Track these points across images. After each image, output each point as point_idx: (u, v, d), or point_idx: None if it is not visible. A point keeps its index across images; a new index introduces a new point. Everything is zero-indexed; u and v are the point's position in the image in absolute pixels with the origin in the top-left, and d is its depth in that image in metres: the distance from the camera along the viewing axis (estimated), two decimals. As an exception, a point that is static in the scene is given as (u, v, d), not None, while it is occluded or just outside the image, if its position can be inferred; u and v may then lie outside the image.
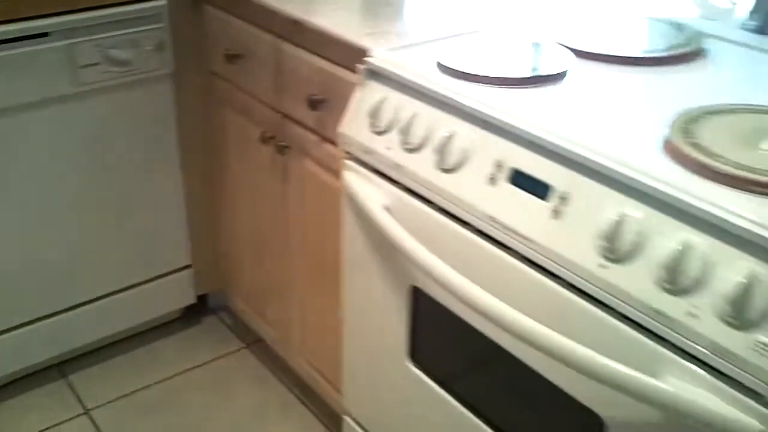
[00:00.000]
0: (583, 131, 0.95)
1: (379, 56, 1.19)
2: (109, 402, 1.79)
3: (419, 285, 1.17)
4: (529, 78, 1.09)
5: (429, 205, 1.11)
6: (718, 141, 0.91)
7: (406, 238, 1.10)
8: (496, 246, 1.02)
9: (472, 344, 1.12)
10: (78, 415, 1.76)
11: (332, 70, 1.32)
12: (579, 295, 0.93)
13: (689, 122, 0.95)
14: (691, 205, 0.82)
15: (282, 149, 1.52)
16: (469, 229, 1.05)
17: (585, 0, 1.49)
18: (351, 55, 1.25)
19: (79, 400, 1.80)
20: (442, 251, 1.07)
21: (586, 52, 1.19)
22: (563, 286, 0.94)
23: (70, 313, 1.79)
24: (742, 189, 0.82)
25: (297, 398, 1.83)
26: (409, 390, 1.28)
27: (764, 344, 0.76)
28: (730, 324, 0.78)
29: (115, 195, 1.75)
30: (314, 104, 1.37)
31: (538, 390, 1.03)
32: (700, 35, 1.26)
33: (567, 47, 1.20)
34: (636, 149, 0.91)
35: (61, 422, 1.74)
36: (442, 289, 1.07)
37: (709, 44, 1.26)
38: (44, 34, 1.55)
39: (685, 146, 0.89)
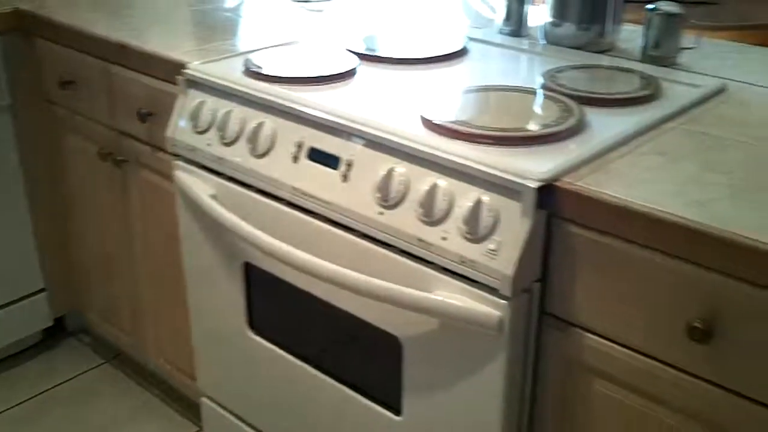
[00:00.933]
0: (361, 114, 1.20)
1: (195, 67, 1.39)
2: (-27, 421, 1.88)
3: (250, 260, 1.38)
4: (320, 77, 1.33)
5: (248, 188, 1.32)
6: (460, 111, 1.18)
7: (231, 218, 1.30)
8: (303, 213, 1.24)
9: (296, 302, 1.33)
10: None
11: (157, 86, 1.52)
12: (367, 240, 1.16)
13: (445, 99, 1.22)
14: (436, 156, 1.08)
15: (119, 163, 1.69)
16: (281, 203, 1.27)
17: (377, 15, 1.76)
18: (172, 70, 1.44)
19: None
20: (264, 225, 1.28)
21: (371, 56, 1.45)
22: (356, 236, 1.18)
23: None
24: (470, 141, 1.09)
25: (160, 399, 1.98)
26: (254, 358, 1.47)
27: (493, 250, 1.02)
28: (468, 239, 1.04)
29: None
30: (144, 117, 1.56)
31: (350, 327, 1.25)
32: (466, 39, 1.55)
33: (355, 53, 1.46)
34: (400, 123, 1.16)
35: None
36: (268, 258, 1.29)
37: (472, 46, 1.55)
38: None
39: (434, 117, 1.15)
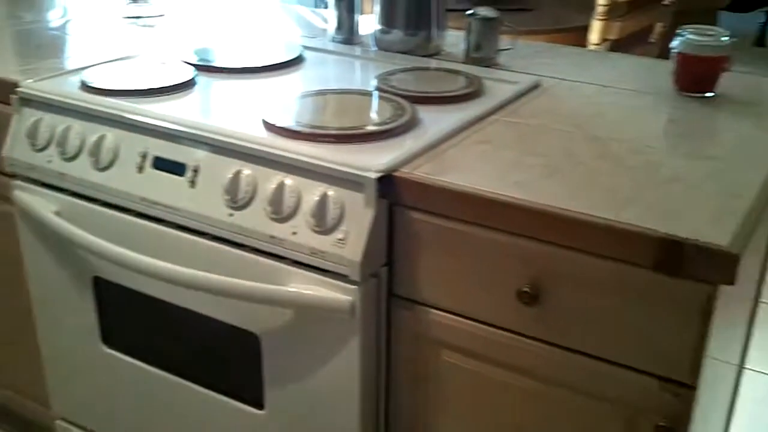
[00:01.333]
0: (204, 121, 1.24)
1: (28, 85, 1.38)
2: None
3: (99, 273, 1.37)
4: (159, 88, 1.36)
5: (94, 202, 1.32)
6: (300, 114, 1.24)
7: (78, 232, 1.30)
8: (153, 222, 1.26)
9: (150, 311, 1.34)
10: None
11: (-10, 106, 1.48)
12: (220, 242, 1.20)
13: (285, 104, 1.28)
14: (281, 156, 1.13)
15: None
16: (130, 214, 1.28)
17: (211, 28, 1.79)
18: (5, 90, 1.41)
19: None
20: (113, 237, 1.28)
21: (209, 67, 1.49)
22: (209, 239, 1.21)
23: None
24: (311, 141, 1.16)
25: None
26: (110, 372, 1.46)
27: (341, 239, 1.09)
28: (317, 232, 1.11)
29: None
30: (-24, 139, 1.51)
31: (208, 329, 1.28)
32: (300, 48, 1.61)
33: (193, 64, 1.48)
34: (243, 128, 1.21)
35: None
36: (119, 270, 1.29)
37: (308, 54, 1.61)
38: None
39: (276, 120, 1.21)
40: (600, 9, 2.36)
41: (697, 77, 1.42)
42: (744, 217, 0.99)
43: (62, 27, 1.83)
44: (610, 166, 1.13)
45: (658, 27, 2.60)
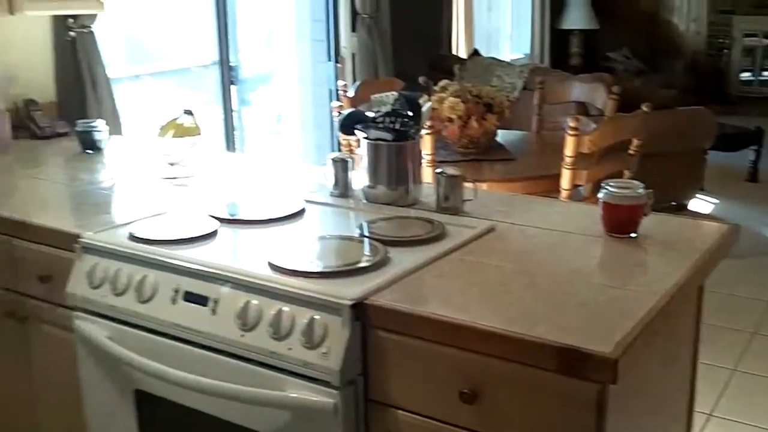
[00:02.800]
0: (223, 263, 1.60)
1: (89, 236, 1.76)
2: None
3: (140, 386, 1.70)
4: (190, 238, 1.73)
5: (136, 328, 1.67)
6: (298, 256, 1.60)
7: (124, 352, 1.64)
8: (182, 342, 1.60)
9: (177, 415, 1.66)
10: None
11: (55, 253, 1.86)
12: (233, 358, 1.53)
13: (287, 248, 1.64)
14: (279, 289, 1.49)
15: (23, 320, 1.99)
16: (165, 337, 1.63)
17: (231, 186, 2.20)
18: (68, 240, 1.80)
19: None
20: (152, 355, 1.62)
21: (229, 220, 1.87)
22: (224, 355, 1.55)
23: None
24: (304, 277, 1.51)
25: None
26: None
27: (324, 353, 1.42)
28: (307, 348, 1.44)
29: None
30: (44, 280, 1.88)
31: (222, 429, 1.59)
32: (303, 201, 1.99)
33: (216, 217, 1.87)
34: (253, 268, 1.57)
35: None
36: (155, 381, 1.62)
37: (309, 207, 1.99)
38: None
39: (278, 261, 1.57)
40: (568, 159, 2.74)
41: (619, 222, 1.76)
42: (628, 332, 1.30)
43: (111, 187, 2.24)
44: (532, 294, 1.46)
45: (627, 174, 2.97)
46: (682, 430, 1.81)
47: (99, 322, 1.73)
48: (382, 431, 1.47)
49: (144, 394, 1.70)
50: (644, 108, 2.95)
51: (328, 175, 2.08)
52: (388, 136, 1.93)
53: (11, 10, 2.49)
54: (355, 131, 1.97)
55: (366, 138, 1.96)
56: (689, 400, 1.81)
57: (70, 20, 2.97)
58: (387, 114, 1.92)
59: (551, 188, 2.86)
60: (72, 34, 2.99)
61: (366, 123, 1.95)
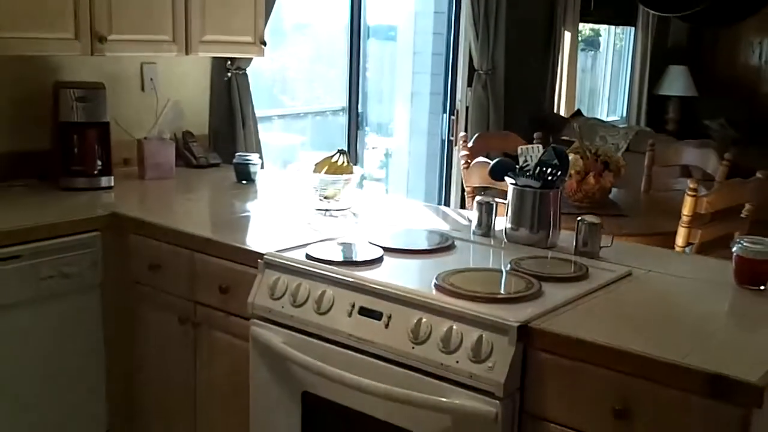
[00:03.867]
0: (394, 282, 1.82)
1: (271, 254, 2.02)
2: None
3: (308, 389, 1.92)
4: (361, 261, 1.97)
5: (311, 336, 1.90)
6: (461, 282, 1.82)
7: (299, 355, 1.87)
8: (356, 352, 1.82)
9: (341, 417, 1.87)
10: None
11: (237, 268, 2.12)
12: (404, 368, 1.74)
13: (448, 274, 1.86)
14: (449, 308, 1.70)
15: (195, 326, 2.25)
16: (339, 346, 1.85)
17: (383, 218, 2.43)
18: (252, 257, 2.06)
19: None
20: (326, 361, 1.85)
21: (389, 248, 2.10)
22: (395, 365, 1.76)
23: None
24: (470, 300, 1.72)
25: None
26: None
27: (490, 367, 1.62)
28: (473, 362, 1.64)
29: (55, 376, 2.34)
30: (223, 291, 2.14)
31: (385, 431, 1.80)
32: (450, 237, 2.21)
33: (377, 245, 2.10)
34: (419, 288, 1.79)
35: None
36: (326, 385, 1.84)
37: (457, 243, 2.21)
38: (17, 256, 2.22)
39: (443, 284, 1.78)
40: (684, 218, 2.90)
41: (751, 274, 1.92)
42: (770, 367, 1.47)
43: (271, 215, 2.51)
44: (678, 329, 1.64)
45: (737, 235, 3.10)
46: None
47: (275, 330, 1.97)
48: (534, 443, 1.66)
49: (311, 396, 1.93)
50: (759, 175, 3.10)
51: (472, 216, 2.30)
52: (535, 183, 2.14)
53: (187, 51, 2.83)
54: (505, 178, 2.19)
55: (514, 184, 2.18)
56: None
57: (229, 62, 3.30)
58: (538, 164, 2.14)
59: (662, 244, 3.01)
60: (229, 74, 3.32)
61: (516, 171, 2.17)
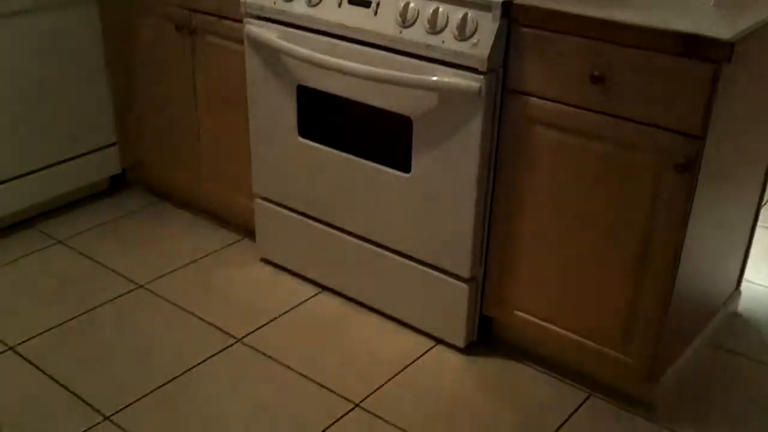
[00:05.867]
0: (383, -29, 1.85)
1: (263, -51, 2.02)
2: (78, 233, 2.50)
3: (302, 82, 2.02)
4: (350, -46, 1.97)
5: (304, 30, 1.96)
6: (449, -32, 1.84)
7: (293, 47, 1.94)
8: (347, 41, 1.89)
9: (335, 107, 1.98)
10: (55, 243, 2.44)
11: (227, -32, 2.13)
12: (392, 52, 1.82)
13: (435, -37, 1.87)
14: (438, -10, 1.74)
15: (191, 32, 2.30)
16: (331, 37, 1.92)
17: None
18: (241, -45, 2.06)
19: (53, 237, 2.47)
20: (318, 51, 1.92)
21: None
22: (384, 50, 1.83)
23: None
24: (459, -19, 1.75)
25: (216, 222, 2.59)
26: (302, 157, 2.12)
27: (475, 44, 1.69)
28: (459, 40, 1.71)
29: (58, 85, 2.44)
30: (217, -7, 2.17)
31: (376, 118, 1.91)
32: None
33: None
34: (410, -25, 1.81)
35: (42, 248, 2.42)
36: (318, 75, 1.93)
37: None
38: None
39: (433, -31, 1.81)
40: None
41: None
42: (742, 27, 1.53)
43: None
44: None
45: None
46: (749, 221, 2.07)
47: (269, 26, 2.03)
48: (513, 114, 1.76)
49: (305, 89, 2.02)
50: None
51: None
52: None
53: None
54: None
55: None
56: (760, 193, 2.05)
57: None
58: None
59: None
60: None
61: None
